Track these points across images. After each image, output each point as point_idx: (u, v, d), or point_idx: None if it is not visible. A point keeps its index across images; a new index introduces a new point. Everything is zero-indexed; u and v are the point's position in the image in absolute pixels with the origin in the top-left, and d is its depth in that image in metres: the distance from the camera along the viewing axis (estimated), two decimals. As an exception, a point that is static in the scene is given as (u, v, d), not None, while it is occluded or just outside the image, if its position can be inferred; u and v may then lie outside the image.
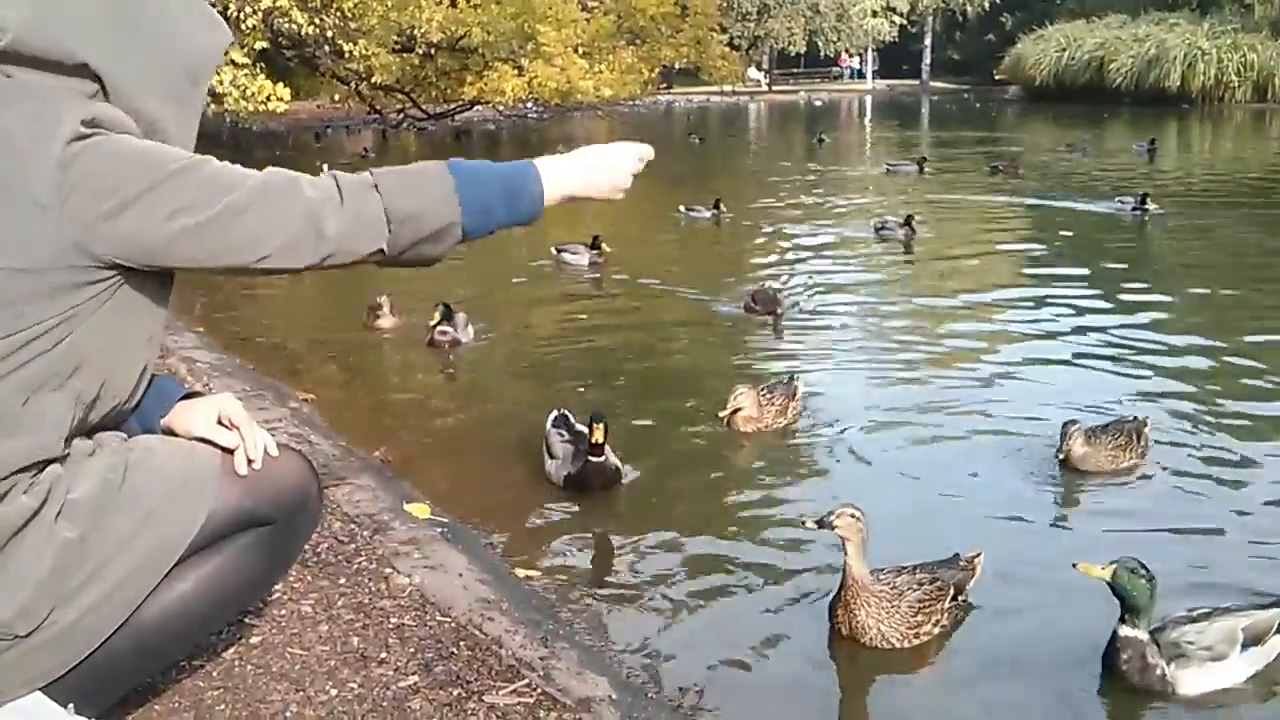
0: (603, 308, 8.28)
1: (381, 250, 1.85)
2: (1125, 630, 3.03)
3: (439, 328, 6.84)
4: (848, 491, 4.45)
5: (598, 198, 2.07)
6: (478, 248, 2.41)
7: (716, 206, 12.40)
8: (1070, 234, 11.31)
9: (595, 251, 9.65)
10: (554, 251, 9.82)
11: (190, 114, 1.90)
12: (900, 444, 5.08)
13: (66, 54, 1.72)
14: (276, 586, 2.64)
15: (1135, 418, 4.83)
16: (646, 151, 2.11)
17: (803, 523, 3.28)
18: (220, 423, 2.05)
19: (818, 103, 42.15)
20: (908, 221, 10.62)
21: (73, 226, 1.68)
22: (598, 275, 9.44)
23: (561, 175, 2.01)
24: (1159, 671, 3.00)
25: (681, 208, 12.55)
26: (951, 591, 3.37)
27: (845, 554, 3.24)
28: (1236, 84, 33.09)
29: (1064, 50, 38.00)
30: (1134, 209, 11.77)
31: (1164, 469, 4.67)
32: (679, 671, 3.10)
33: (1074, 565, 3.16)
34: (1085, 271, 9.30)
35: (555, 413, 4.92)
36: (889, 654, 3.23)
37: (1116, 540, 3.89)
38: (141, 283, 1.81)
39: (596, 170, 2.05)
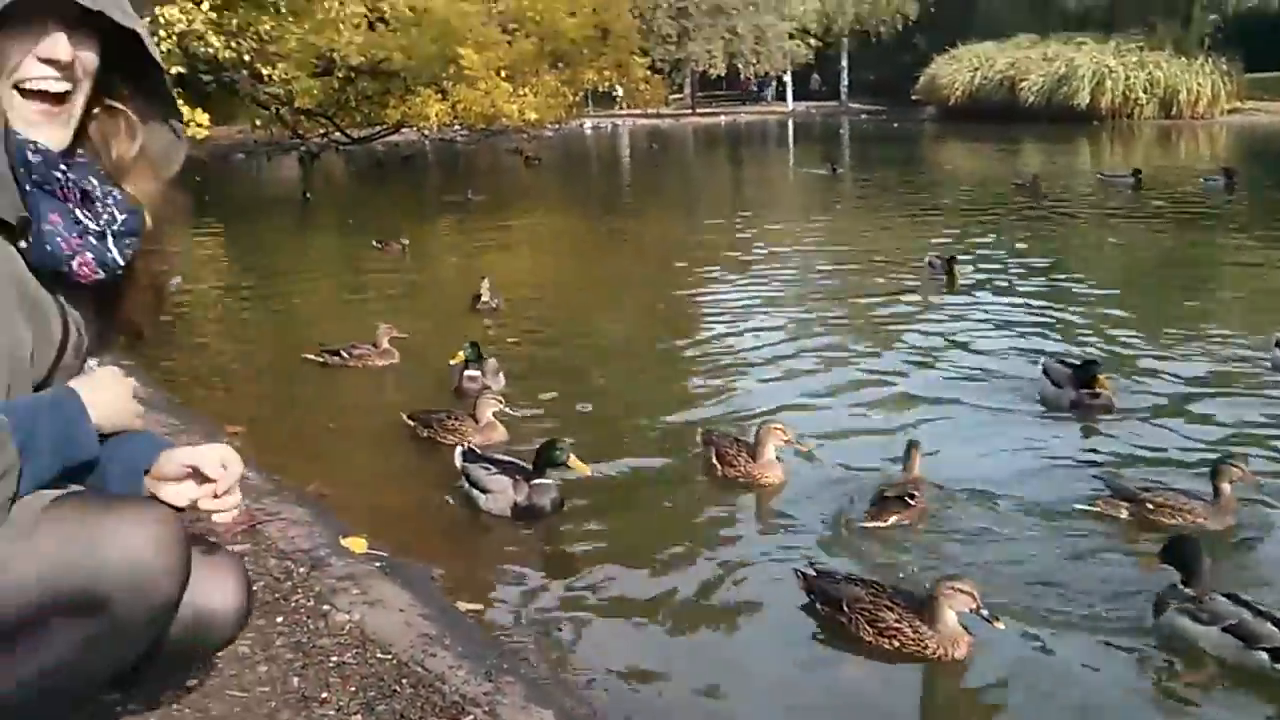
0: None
1: None
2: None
3: (466, 372, 6.09)
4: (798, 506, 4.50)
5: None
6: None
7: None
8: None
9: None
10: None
11: None
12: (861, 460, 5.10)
13: None
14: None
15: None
16: None
17: None
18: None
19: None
20: None
21: None
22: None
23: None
24: (1168, 616, 3.39)
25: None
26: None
27: None
28: (1144, 100, 34.12)
29: (976, 70, 38.76)
30: None
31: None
32: (626, 702, 3.09)
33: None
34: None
35: (460, 448, 4.79)
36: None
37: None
38: None
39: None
